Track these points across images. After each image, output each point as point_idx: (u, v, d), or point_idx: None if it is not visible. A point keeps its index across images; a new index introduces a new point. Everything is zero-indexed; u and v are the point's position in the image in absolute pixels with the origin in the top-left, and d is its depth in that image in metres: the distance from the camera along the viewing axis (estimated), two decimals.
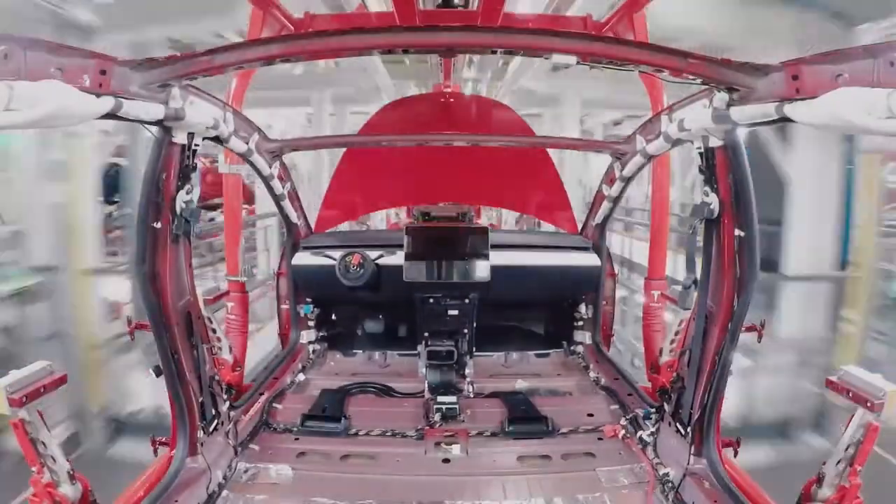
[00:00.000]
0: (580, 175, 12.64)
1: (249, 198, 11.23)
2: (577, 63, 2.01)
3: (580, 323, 4.26)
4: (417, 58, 12.71)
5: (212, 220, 12.38)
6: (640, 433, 2.90)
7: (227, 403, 2.84)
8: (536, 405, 3.32)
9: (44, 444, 1.97)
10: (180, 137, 2.19)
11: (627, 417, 3.12)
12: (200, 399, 2.54)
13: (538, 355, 4.34)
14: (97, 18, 5.82)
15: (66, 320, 6.21)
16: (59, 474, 2.00)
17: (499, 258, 3.82)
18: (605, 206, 3.81)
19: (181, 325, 2.42)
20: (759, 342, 2.96)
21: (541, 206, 5.43)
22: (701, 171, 2.33)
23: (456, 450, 2.88)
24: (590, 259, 4.06)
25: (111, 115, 1.74)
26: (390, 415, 3.25)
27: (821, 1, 5.83)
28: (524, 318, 4.37)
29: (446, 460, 2.83)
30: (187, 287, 2.50)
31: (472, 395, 3.55)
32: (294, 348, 4.18)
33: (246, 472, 2.69)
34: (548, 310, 4.36)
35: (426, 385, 3.51)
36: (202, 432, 2.54)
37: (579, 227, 4.43)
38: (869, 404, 1.86)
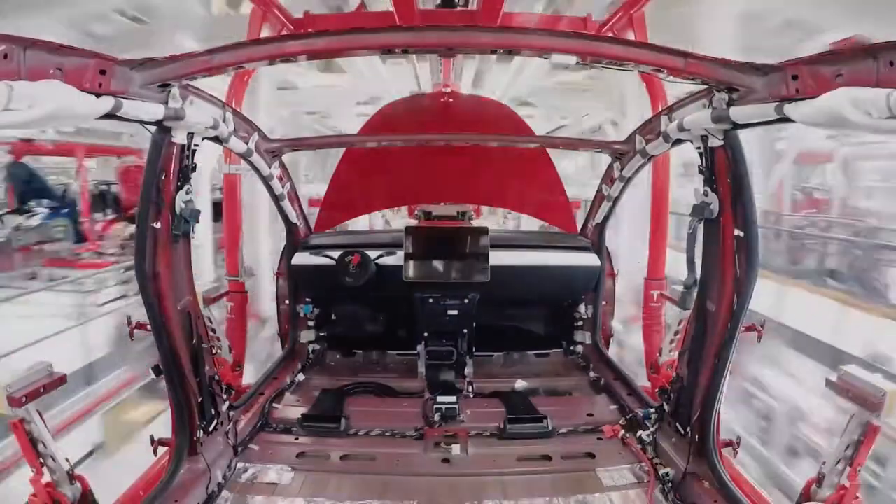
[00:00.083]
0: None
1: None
2: (577, 63, 2.01)
3: (580, 323, 4.26)
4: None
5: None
6: (639, 433, 2.90)
7: (227, 403, 2.84)
8: (536, 405, 3.32)
9: (43, 444, 1.97)
10: (180, 137, 2.19)
11: (627, 417, 3.12)
12: (200, 399, 2.54)
13: (538, 355, 4.34)
14: None
15: None
16: (58, 474, 2.00)
17: (499, 258, 3.82)
18: (605, 206, 3.81)
19: (181, 325, 2.42)
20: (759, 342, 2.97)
21: (541, 206, 5.42)
22: (701, 171, 2.33)
23: (455, 450, 2.88)
24: (590, 259, 4.06)
25: (111, 115, 1.74)
26: (390, 415, 3.25)
27: None
28: (524, 318, 4.37)
29: (446, 460, 2.82)
30: (187, 287, 2.50)
31: (471, 395, 3.55)
32: (294, 348, 4.18)
33: (246, 472, 2.69)
34: (548, 310, 4.35)
35: (426, 385, 3.51)
36: (202, 432, 2.54)
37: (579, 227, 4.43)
38: (868, 404, 1.86)
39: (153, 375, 2.51)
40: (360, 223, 10.33)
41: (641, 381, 3.70)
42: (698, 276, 2.46)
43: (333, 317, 4.33)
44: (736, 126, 2.01)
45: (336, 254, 3.84)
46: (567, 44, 1.97)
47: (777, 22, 6.48)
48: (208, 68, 1.93)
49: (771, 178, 12.28)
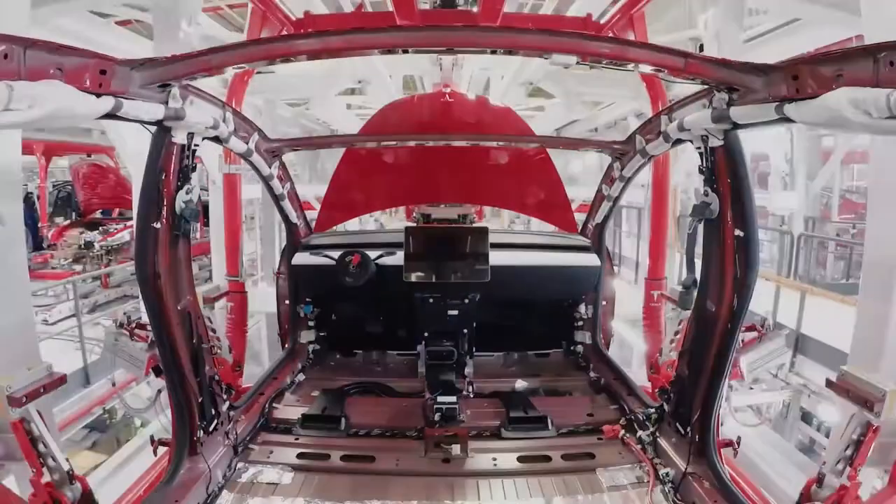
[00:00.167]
0: None
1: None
2: (577, 63, 2.01)
3: (580, 323, 4.26)
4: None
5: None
6: (640, 433, 2.90)
7: (227, 403, 2.84)
8: (536, 405, 3.32)
9: (44, 443, 1.97)
10: (180, 137, 2.19)
11: (627, 417, 3.12)
12: (200, 399, 2.54)
13: (538, 355, 4.34)
14: None
15: None
16: (59, 474, 2.00)
17: (499, 258, 3.81)
18: (605, 205, 3.81)
19: (181, 325, 2.42)
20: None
21: (541, 206, 5.42)
22: (700, 171, 2.33)
23: (456, 450, 2.88)
24: (590, 259, 4.06)
25: (111, 115, 1.74)
26: (390, 415, 3.25)
27: None
28: (524, 318, 4.37)
29: (446, 460, 2.82)
30: (187, 287, 2.50)
31: (471, 395, 3.55)
32: (294, 348, 4.18)
33: (246, 472, 2.69)
34: (548, 310, 4.35)
35: (426, 385, 3.51)
36: (202, 432, 2.54)
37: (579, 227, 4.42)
38: (868, 404, 1.86)
39: (151, 375, 2.51)
40: (350, 227, 9.81)
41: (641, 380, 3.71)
42: (698, 276, 2.46)
43: (333, 317, 4.33)
44: (736, 126, 2.01)
45: (336, 254, 3.84)
46: (567, 44, 1.97)
47: None
48: (208, 68, 1.93)
49: (816, 180, 11.40)
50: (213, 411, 2.67)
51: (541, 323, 4.39)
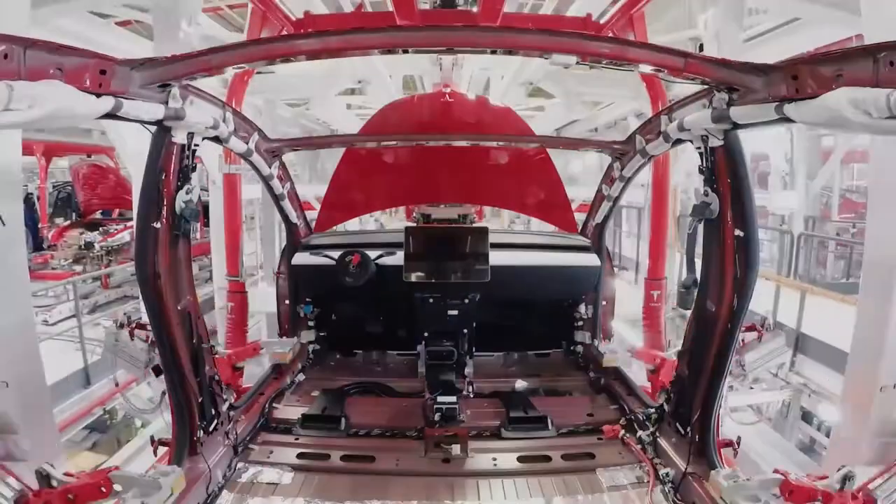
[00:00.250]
0: None
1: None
2: (577, 63, 2.01)
3: (580, 323, 4.26)
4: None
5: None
6: (640, 433, 2.90)
7: (227, 403, 2.84)
8: (536, 405, 3.32)
9: None
10: (180, 137, 2.19)
11: (627, 417, 3.12)
12: (200, 399, 2.54)
13: (538, 355, 4.34)
14: None
15: None
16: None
17: (499, 258, 3.81)
18: (605, 206, 3.81)
19: (181, 325, 2.42)
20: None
21: (541, 206, 5.42)
22: (700, 171, 2.33)
23: (456, 450, 2.88)
24: (590, 259, 4.06)
25: (111, 115, 1.74)
26: (390, 415, 3.25)
27: None
28: (524, 318, 4.37)
29: (446, 460, 2.82)
30: (187, 287, 2.50)
31: (471, 395, 3.55)
32: (294, 348, 4.18)
33: (246, 472, 2.69)
34: (548, 310, 4.35)
35: (426, 385, 3.51)
36: (202, 432, 2.54)
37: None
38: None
39: (151, 375, 2.52)
40: (350, 227, 9.83)
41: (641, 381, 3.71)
42: (698, 276, 2.46)
43: (333, 317, 4.33)
44: (736, 126, 2.01)
45: (336, 254, 3.84)
46: (567, 44, 1.97)
47: None
48: (208, 68, 1.93)
49: (816, 179, 11.33)
50: (213, 411, 2.67)
51: (541, 323, 4.39)
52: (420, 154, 4.68)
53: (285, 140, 3.51)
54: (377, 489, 2.54)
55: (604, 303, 4.16)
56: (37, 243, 11.71)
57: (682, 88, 2.26)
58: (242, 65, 2.10)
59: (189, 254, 2.51)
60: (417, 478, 2.68)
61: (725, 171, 2.19)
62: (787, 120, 1.70)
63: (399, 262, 3.79)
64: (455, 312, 3.76)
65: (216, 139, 2.49)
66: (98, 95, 1.66)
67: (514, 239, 4.58)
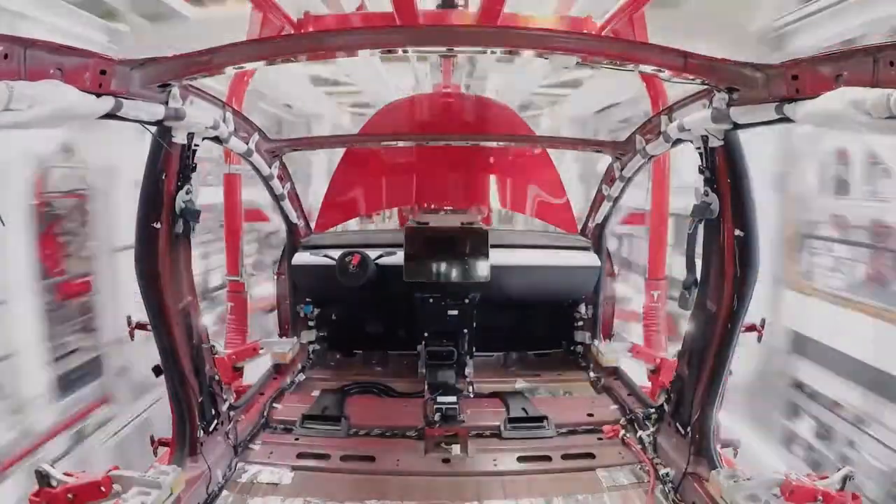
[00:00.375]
0: None
1: None
2: (578, 63, 2.01)
3: (580, 323, 4.26)
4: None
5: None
6: (640, 433, 2.90)
7: (227, 403, 2.84)
8: (536, 405, 3.32)
9: None
10: (180, 137, 2.19)
11: (627, 417, 3.12)
12: (200, 399, 2.54)
13: (538, 355, 4.34)
14: None
15: None
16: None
17: (499, 258, 3.81)
18: (605, 206, 3.81)
19: (181, 325, 2.42)
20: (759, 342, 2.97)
21: (541, 206, 5.42)
22: (701, 171, 2.33)
23: (456, 450, 2.88)
24: (590, 259, 4.06)
25: (111, 115, 1.74)
26: (390, 415, 3.25)
27: None
28: (524, 317, 4.37)
29: (446, 460, 2.83)
30: (187, 287, 2.50)
31: (471, 395, 3.55)
32: (294, 348, 4.18)
33: (246, 472, 2.69)
34: (548, 309, 4.35)
35: (426, 385, 3.51)
36: (202, 432, 2.54)
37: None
38: None
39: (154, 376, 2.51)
40: (350, 227, 9.75)
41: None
42: (698, 276, 2.46)
43: (334, 317, 4.33)
44: (736, 126, 2.01)
45: (336, 254, 3.84)
46: (567, 44, 1.97)
47: None
48: (208, 68, 1.93)
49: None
50: (213, 411, 2.67)
51: (541, 323, 4.39)
52: (420, 154, 4.68)
53: (285, 140, 3.51)
54: (377, 489, 2.54)
55: (604, 303, 4.16)
56: None
57: (682, 88, 2.25)
58: (242, 65, 2.10)
59: (189, 254, 2.51)
60: (417, 478, 2.68)
61: (725, 171, 2.20)
62: (787, 120, 1.70)
63: (399, 262, 3.79)
64: (455, 312, 3.76)
65: (216, 139, 2.49)
66: (98, 95, 1.66)
67: (514, 239, 4.58)
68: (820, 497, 2.01)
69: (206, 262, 10.31)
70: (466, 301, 3.77)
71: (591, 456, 2.84)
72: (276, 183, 3.51)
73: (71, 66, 1.58)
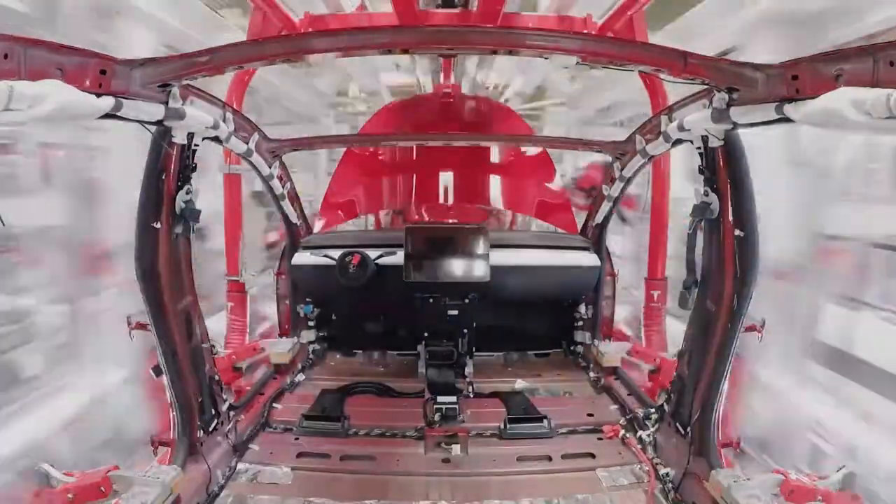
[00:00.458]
0: None
1: None
2: (577, 63, 2.01)
3: (580, 323, 4.26)
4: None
5: None
6: (640, 433, 2.90)
7: (227, 403, 2.84)
8: (536, 405, 3.32)
9: None
10: (180, 137, 2.19)
11: (627, 417, 3.12)
12: (200, 399, 2.54)
13: (538, 355, 4.34)
14: None
15: None
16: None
17: (499, 258, 3.81)
18: (605, 206, 3.81)
19: (181, 325, 2.42)
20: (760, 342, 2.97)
21: (540, 206, 5.42)
22: (701, 171, 2.33)
23: (456, 450, 2.88)
24: (590, 259, 4.06)
25: (111, 115, 1.74)
26: (390, 415, 3.25)
27: None
28: (524, 318, 4.37)
29: (446, 460, 2.83)
30: (187, 287, 2.50)
31: (471, 395, 3.55)
32: (294, 348, 4.18)
33: (246, 472, 2.69)
34: (548, 309, 4.35)
35: (426, 385, 3.51)
36: (202, 432, 2.54)
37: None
38: None
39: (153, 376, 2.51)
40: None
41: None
42: (698, 276, 2.46)
43: (334, 317, 4.33)
44: (736, 126, 2.01)
45: (336, 254, 3.84)
46: (567, 44, 1.98)
47: None
48: (208, 68, 1.93)
49: None
50: (213, 411, 2.67)
51: (541, 323, 4.39)
52: (420, 154, 4.68)
53: (285, 140, 3.51)
54: (377, 489, 2.54)
55: (604, 303, 4.16)
56: None
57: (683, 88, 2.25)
58: (242, 65, 2.10)
59: (189, 254, 2.51)
60: (417, 478, 2.68)
61: (725, 171, 2.20)
62: (787, 120, 1.70)
63: (399, 262, 3.79)
64: (455, 312, 3.76)
65: (216, 139, 2.49)
66: (98, 95, 1.66)
67: (514, 239, 4.58)
68: (820, 497, 2.01)
69: None
70: (466, 301, 3.77)
71: (591, 456, 2.85)
72: (276, 183, 3.51)
73: (71, 65, 1.58)
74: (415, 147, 4.95)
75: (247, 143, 2.88)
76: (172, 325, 2.36)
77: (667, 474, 2.55)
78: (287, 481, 2.63)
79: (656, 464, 2.67)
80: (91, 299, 3.78)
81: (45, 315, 3.62)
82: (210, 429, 2.61)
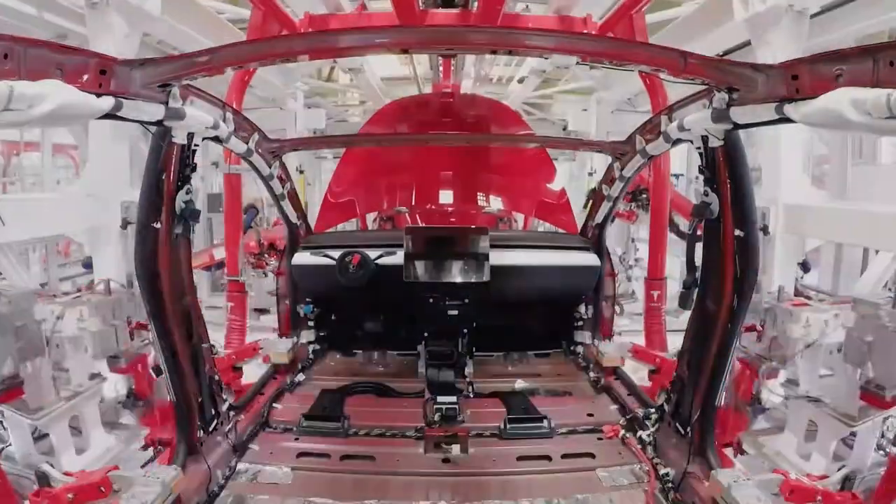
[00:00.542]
0: None
1: None
2: (577, 63, 2.01)
3: (580, 323, 4.26)
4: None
5: None
6: (640, 433, 2.90)
7: (227, 403, 2.84)
8: (536, 405, 3.32)
9: None
10: (180, 137, 2.19)
11: (627, 417, 3.12)
12: (200, 399, 2.54)
13: (538, 355, 4.34)
14: None
15: None
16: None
17: (499, 258, 3.81)
18: (605, 206, 3.81)
19: (181, 325, 2.42)
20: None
21: (541, 206, 5.42)
22: (701, 171, 2.33)
23: (456, 450, 2.88)
24: (590, 259, 4.06)
25: (111, 115, 1.74)
26: (390, 415, 3.25)
27: None
28: (524, 318, 4.37)
29: (446, 460, 2.82)
30: (187, 287, 2.50)
31: (471, 395, 3.55)
32: (294, 348, 4.18)
33: (246, 471, 2.69)
34: (548, 310, 4.35)
35: (426, 385, 3.51)
36: (202, 432, 2.54)
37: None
38: None
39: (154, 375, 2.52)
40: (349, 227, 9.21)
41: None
42: (698, 276, 2.46)
43: (333, 317, 4.33)
44: (736, 126, 2.01)
45: (336, 254, 3.84)
46: (567, 44, 1.98)
47: None
48: (208, 68, 1.93)
49: None
50: (213, 411, 2.67)
51: (541, 323, 4.39)
52: (420, 154, 4.67)
53: (285, 140, 3.51)
54: (377, 489, 2.54)
55: (604, 303, 4.16)
56: None
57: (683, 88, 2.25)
58: (242, 65, 2.10)
59: (189, 254, 2.51)
60: (417, 478, 2.68)
61: (725, 171, 2.20)
62: (788, 120, 1.70)
63: (399, 261, 3.79)
64: (455, 312, 3.76)
65: (216, 139, 2.49)
66: (98, 95, 1.66)
67: (514, 239, 4.58)
68: (820, 497, 2.01)
69: None
70: (466, 301, 3.77)
71: (591, 456, 2.84)
72: (275, 183, 3.51)
73: (71, 65, 1.58)
74: (415, 147, 4.94)
75: (247, 143, 2.88)
76: (172, 325, 2.36)
77: (667, 474, 2.55)
78: (287, 481, 2.62)
79: (656, 464, 2.67)
80: None
81: None
82: (210, 429, 2.61)
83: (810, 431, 2.81)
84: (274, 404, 3.34)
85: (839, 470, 2.13)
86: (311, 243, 4.10)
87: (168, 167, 2.22)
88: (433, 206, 5.26)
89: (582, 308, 4.23)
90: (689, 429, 2.53)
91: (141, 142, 4.62)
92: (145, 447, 3.00)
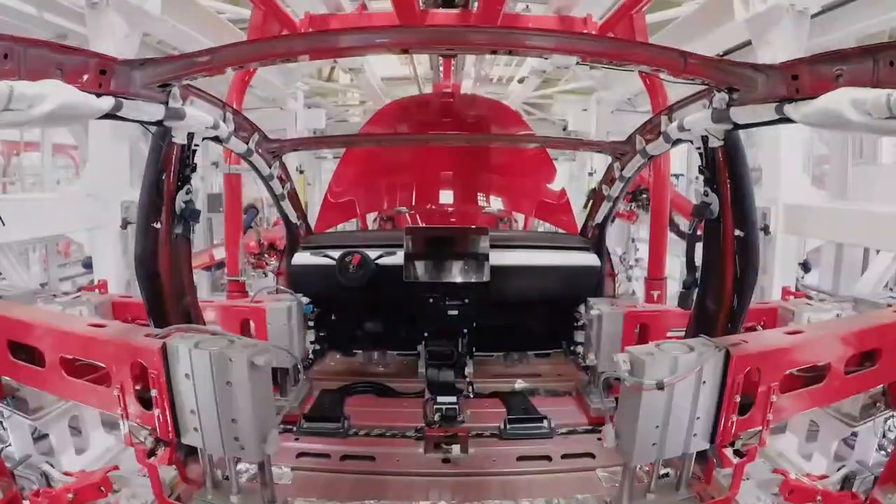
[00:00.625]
0: None
1: None
2: (578, 63, 2.01)
3: (580, 323, 4.26)
4: None
5: None
6: None
7: None
8: (536, 405, 3.32)
9: None
10: (180, 137, 2.20)
11: None
12: None
13: (538, 355, 4.33)
14: None
15: None
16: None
17: (499, 258, 3.81)
18: (605, 206, 3.81)
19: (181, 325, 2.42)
20: None
21: (541, 206, 5.42)
22: (701, 171, 2.33)
23: (456, 450, 2.88)
24: (590, 259, 4.06)
25: (111, 115, 1.74)
26: (390, 415, 3.25)
27: None
28: (524, 318, 4.36)
29: (446, 460, 2.82)
30: (187, 287, 2.50)
31: (471, 395, 3.55)
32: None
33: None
34: (548, 310, 4.35)
35: (426, 385, 3.51)
36: None
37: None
38: None
39: None
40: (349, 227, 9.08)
41: None
42: (698, 276, 2.46)
43: (333, 317, 4.33)
44: (736, 126, 2.02)
45: (336, 254, 3.84)
46: (567, 44, 1.98)
47: None
48: (208, 68, 1.93)
49: None
50: None
51: (541, 323, 4.38)
52: (420, 154, 4.67)
53: (285, 140, 3.51)
54: (377, 489, 2.54)
55: None
56: None
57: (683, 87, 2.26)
58: (242, 65, 2.11)
59: (189, 254, 2.51)
60: (417, 478, 2.68)
61: (725, 171, 2.20)
62: (788, 120, 1.70)
63: (399, 261, 3.79)
64: (455, 312, 3.76)
65: (216, 139, 2.49)
66: (98, 95, 1.66)
67: (514, 239, 4.58)
68: (819, 497, 2.01)
69: None
70: (466, 301, 3.77)
71: (591, 456, 2.84)
72: (275, 183, 3.51)
73: (71, 65, 1.58)
74: (415, 147, 4.94)
75: (247, 143, 2.88)
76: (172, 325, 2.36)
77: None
78: (287, 481, 2.62)
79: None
80: None
81: None
82: None
83: (812, 432, 2.82)
84: None
85: (839, 470, 2.13)
86: (311, 243, 4.10)
87: (168, 167, 2.22)
88: (433, 207, 5.26)
89: (582, 308, 4.22)
90: None
91: (141, 142, 4.69)
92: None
